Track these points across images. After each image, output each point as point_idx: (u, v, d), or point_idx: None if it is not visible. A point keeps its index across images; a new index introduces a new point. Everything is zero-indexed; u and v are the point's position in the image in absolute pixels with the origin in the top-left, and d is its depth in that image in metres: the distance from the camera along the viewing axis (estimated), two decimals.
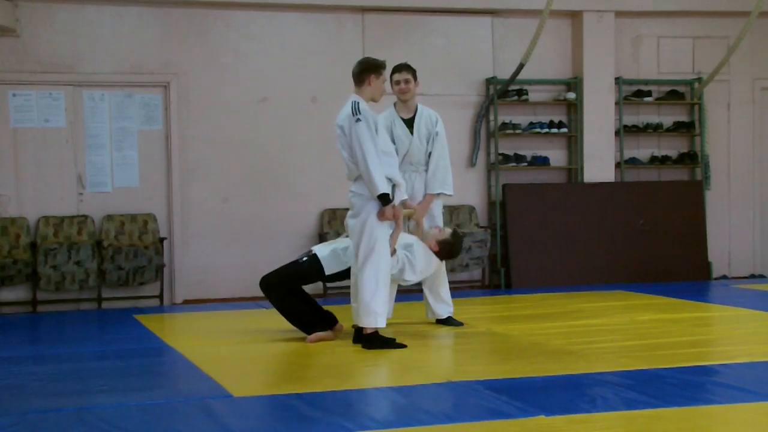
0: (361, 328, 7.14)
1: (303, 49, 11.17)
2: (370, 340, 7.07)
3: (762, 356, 6.50)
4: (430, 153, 8.03)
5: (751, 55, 12.46)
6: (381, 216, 7.00)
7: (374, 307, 7.00)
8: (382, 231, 7.06)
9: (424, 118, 8.05)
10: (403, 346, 7.07)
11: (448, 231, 7.79)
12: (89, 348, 7.64)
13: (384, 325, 7.11)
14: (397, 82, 7.98)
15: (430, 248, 7.63)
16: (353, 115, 6.98)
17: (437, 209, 8.11)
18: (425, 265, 7.58)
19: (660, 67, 12.28)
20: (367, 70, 7.19)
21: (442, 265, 8.03)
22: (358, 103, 7.05)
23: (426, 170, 8.04)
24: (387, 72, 7.38)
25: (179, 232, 10.81)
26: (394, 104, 8.12)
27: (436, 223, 8.04)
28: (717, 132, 12.47)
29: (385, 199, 6.96)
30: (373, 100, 7.22)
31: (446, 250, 7.74)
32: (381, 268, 7.03)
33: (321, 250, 7.59)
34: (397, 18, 11.43)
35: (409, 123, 8.04)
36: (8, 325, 9.24)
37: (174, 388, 6.01)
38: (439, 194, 8.05)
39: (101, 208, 10.62)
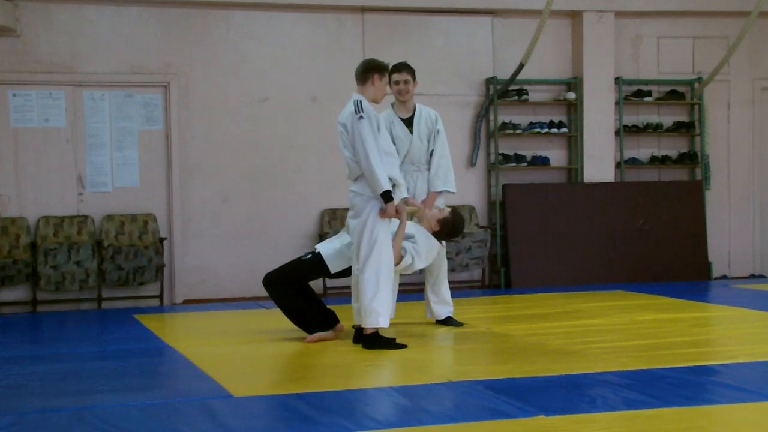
0: (362, 328, 7.15)
1: (303, 49, 11.17)
2: (371, 341, 7.07)
3: (762, 356, 6.50)
4: (431, 151, 8.03)
5: (751, 55, 12.46)
6: (383, 214, 7.01)
7: (376, 307, 7.00)
8: (383, 231, 7.06)
9: (424, 117, 8.03)
10: (404, 346, 7.07)
11: (448, 209, 7.73)
12: (89, 348, 7.64)
13: (386, 325, 7.08)
14: (397, 83, 7.92)
15: (431, 229, 7.57)
16: (356, 113, 6.97)
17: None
18: (428, 250, 7.53)
19: (660, 67, 12.28)
20: (371, 70, 7.17)
21: (444, 265, 8.03)
22: (361, 101, 7.04)
23: (428, 169, 8.03)
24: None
25: (179, 232, 10.81)
26: (392, 104, 8.09)
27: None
28: (717, 132, 12.48)
29: (387, 197, 6.96)
30: (375, 101, 7.20)
31: (447, 229, 7.64)
32: (382, 268, 7.02)
33: (325, 248, 7.56)
34: (397, 18, 11.43)
35: (408, 122, 8.01)
36: (8, 325, 9.24)
37: (174, 388, 6.00)
38: (441, 192, 8.06)
39: (101, 208, 10.62)
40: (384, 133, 7.19)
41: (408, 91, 7.94)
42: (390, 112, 8.03)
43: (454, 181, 8.10)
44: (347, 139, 7.06)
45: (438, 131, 8.01)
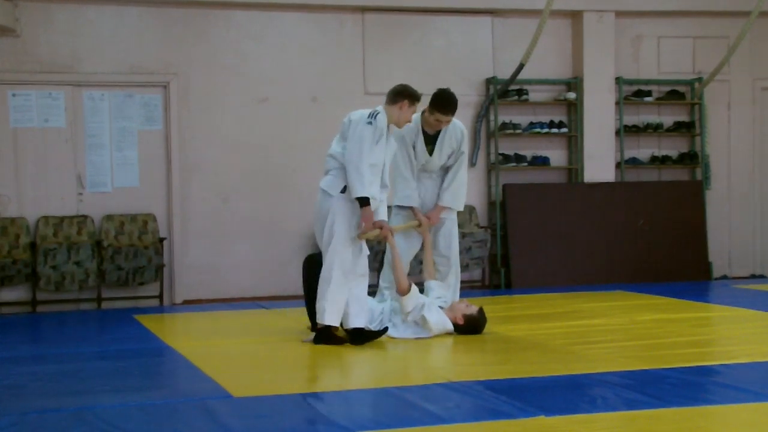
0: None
1: (303, 49, 11.16)
2: (319, 336, 7.22)
3: (762, 356, 6.50)
4: (449, 167, 7.98)
5: (751, 55, 12.45)
6: (363, 221, 7.06)
7: (323, 305, 7.13)
8: (342, 230, 7.11)
9: (448, 136, 7.88)
10: (345, 341, 7.19)
11: (475, 308, 7.63)
12: (89, 348, 7.64)
13: (332, 323, 7.15)
14: (438, 121, 7.74)
15: (455, 320, 7.53)
16: (368, 118, 7.11)
17: (453, 225, 8.06)
18: (435, 324, 7.47)
19: (660, 67, 12.28)
20: (402, 95, 7.27)
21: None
22: (378, 114, 7.14)
23: (440, 176, 8.02)
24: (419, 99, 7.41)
25: (179, 232, 10.81)
26: (422, 113, 7.88)
27: (451, 234, 8.02)
28: (717, 132, 12.47)
29: (363, 201, 7.02)
30: (397, 124, 7.30)
31: (469, 326, 7.55)
32: (335, 267, 7.09)
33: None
34: (397, 18, 11.42)
35: (432, 139, 7.89)
36: (8, 325, 9.24)
37: (174, 388, 6.01)
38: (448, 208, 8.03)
39: (101, 208, 10.61)
40: (380, 147, 7.16)
41: (441, 126, 7.85)
42: (418, 126, 7.87)
43: (464, 200, 8.12)
44: (345, 131, 7.18)
45: (462, 153, 7.95)
